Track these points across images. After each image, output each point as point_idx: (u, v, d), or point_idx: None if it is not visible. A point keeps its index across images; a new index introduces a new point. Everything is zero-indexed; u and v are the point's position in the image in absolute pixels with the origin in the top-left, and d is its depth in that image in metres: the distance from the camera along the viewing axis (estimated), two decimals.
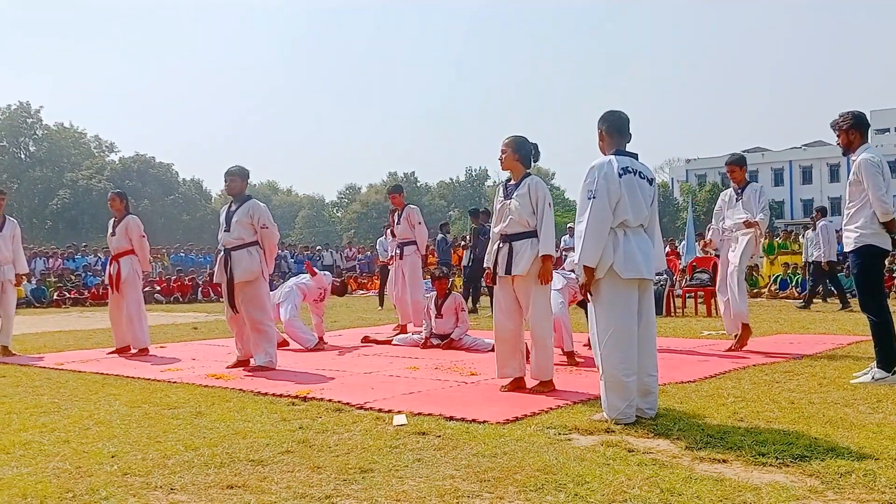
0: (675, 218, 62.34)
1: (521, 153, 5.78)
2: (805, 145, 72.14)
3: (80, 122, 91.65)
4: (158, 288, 22.84)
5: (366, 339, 9.62)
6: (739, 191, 8.09)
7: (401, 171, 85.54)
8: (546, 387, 5.59)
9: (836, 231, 22.24)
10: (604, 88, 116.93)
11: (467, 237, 17.23)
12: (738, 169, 8.09)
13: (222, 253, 7.41)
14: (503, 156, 5.78)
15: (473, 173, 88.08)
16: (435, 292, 8.99)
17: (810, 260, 17.51)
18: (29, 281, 19.97)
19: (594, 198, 4.52)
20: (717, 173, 68.17)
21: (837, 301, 15.00)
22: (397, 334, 9.92)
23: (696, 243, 19.20)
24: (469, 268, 15.44)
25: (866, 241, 5.90)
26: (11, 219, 9.44)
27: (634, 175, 4.65)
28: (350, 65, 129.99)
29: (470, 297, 14.91)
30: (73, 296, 21.74)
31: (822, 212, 16.40)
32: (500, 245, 5.75)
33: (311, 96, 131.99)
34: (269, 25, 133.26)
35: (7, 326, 9.08)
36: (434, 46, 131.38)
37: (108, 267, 9.22)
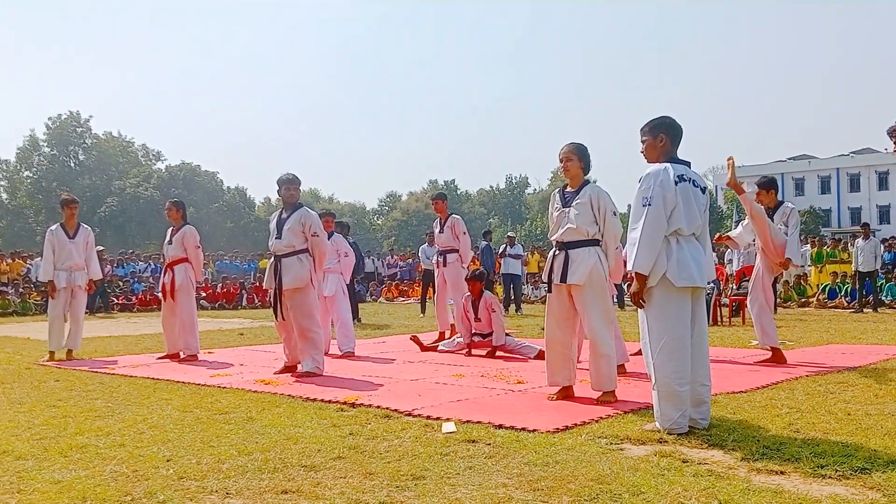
0: (720, 226, 61.34)
1: (585, 161, 5.74)
2: (853, 153, 70.78)
3: (127, 131, 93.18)
4: (204, 294, 23.14)
5: (414, 338, 9.67)
6: (771, 212, 7.86)
7: (441, 178, 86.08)
8: (610, 397, 5.53)
9: (884, 241, 21.97)
10: (647, 95, 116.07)
11: None
12: (764, 193, 7.86)
13: (272, 259, 7.51)
14: (569, 163, 5.71)
15: (514, 181, 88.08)
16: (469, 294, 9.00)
17: (859, 269, 17.25)
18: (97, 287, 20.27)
19: (649, 205, 4.47)
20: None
21: (889, 309, 14.67)
22: (437, 341, 9.99)
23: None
24: None
25: None
26: (86, 226, 9.74)
27: (689, 183, 4.59)
28: (392, 74, 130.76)
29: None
30: (121, 302, 22.12)
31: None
32: (556, 253, 5.72)
33: (353, 105, 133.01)
34: (313, 36, 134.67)
35: (76, 331, 9.37)
36: (475, 55, 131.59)
37: (162, 275, 9.39)
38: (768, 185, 7.93)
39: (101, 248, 25.07)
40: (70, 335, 9.29)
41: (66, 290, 9.34)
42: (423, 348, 9.38)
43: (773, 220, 7.73)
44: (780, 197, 8.11)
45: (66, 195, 9.92)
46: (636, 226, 4.51)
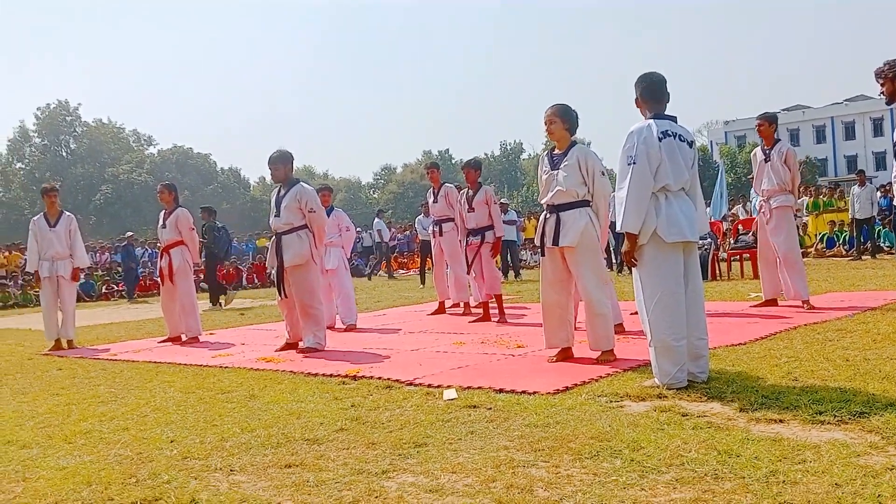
0: (716, 181, 61.54)
1: (570, 122, 5.67)
2: (847, 100, 70.49)
3: (117, 118, 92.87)
4: (203, 276, 23.11)
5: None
6: (767, 151, 8.01)
7: (435, 149, 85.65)
8: (609, 356, 5.55)
9: (880, 187, 21.95)
10: (639, 51, 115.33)
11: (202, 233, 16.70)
12: (767, 125, 8.06)
13: (273, 237, 7.51)
14: (552, 125, 5.65)
15: (508, 147, 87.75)
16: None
17: (856, 216, 17.25)
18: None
19: (634, 163, 4.45)
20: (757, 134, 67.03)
21: (887, 255, 14.73)
22: (438, 311, 10.06)
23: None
24: (205, 262, 15.94)
25: None
26: (68, 213, 9.64)
27: (674, 138, 4.57)
28: (382, 45, 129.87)
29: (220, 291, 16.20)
30: (120, 288, 22.13)
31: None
32: (548, 216, 5.70)
33: (343, 79, 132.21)
34: (302, 10, 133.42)
35: (68, 321, 9.31)
36: (464, 22, 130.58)
37: (159, 259, 9.36)
38: (771, 119, 8.16)
39: (131, 233, 25.14)
40: (62, 325, 9.24)
41: (50, 280, 9.29)
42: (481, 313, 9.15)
43: (771, 157, 7.97)
44: None
45: (46, 184, 9.86)
46: (623, 185, 4.49)
